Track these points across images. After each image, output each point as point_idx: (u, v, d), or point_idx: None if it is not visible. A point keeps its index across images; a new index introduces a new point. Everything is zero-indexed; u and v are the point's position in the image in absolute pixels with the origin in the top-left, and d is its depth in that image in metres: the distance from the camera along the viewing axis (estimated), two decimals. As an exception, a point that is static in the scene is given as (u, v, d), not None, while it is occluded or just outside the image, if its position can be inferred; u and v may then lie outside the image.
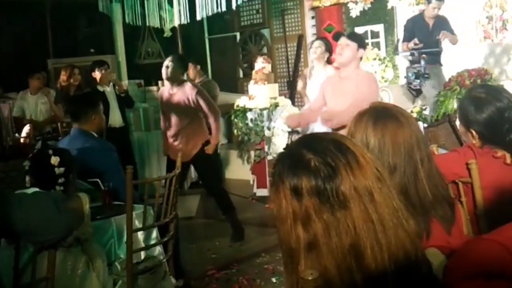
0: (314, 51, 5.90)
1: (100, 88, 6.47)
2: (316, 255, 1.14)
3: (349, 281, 1.13)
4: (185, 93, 5.22)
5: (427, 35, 6.32)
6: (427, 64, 5.98)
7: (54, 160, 2.99)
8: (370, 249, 1.13)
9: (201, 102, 5.21)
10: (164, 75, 5.31)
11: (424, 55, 5.93)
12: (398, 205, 1.20)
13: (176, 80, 5.26)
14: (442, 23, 6.41)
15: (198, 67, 7.38)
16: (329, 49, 5.90)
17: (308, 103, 5.62)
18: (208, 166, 5.43)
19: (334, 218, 1.14)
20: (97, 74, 6.49)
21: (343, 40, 4.24)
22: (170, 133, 5.40)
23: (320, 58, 5.88)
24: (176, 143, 5.35)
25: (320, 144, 1.20)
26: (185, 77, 5.61)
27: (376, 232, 1.15)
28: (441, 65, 6.51)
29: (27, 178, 3.03)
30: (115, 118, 6.57)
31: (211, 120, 5.28)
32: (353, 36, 4.39)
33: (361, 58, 4.33)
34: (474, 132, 2.46)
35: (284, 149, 1.27)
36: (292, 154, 1.22)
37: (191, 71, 7.21)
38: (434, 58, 6.33)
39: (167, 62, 5.26)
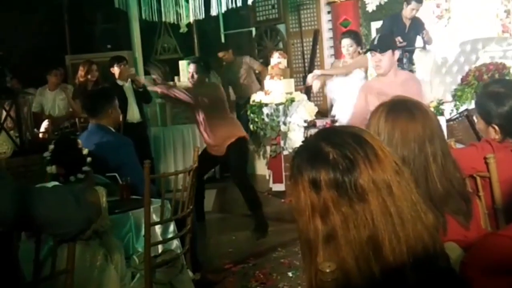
0: (347, 50, 5.85)
1: (119, 82, 6.51)
2: (334, 246, 1.15)
3: (367, 272, 1.13)
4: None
5: (403, 35, 6.40)
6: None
7: (80, 142, 2.98)
8: (388, 241, 1.14)
9: None
10: (190, 82, 5.42)
11: (407, 53, 5.98)
12: (417, 199, 1.21)
13: (201, 85, 5.36)
14: (417, 25, 6.58)
15: (230, 50, 7.92)
16: (359, 42, 5.89)
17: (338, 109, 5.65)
18: (238, 159, 5.44)
19: (352, 210, 1.15)
20: (116, 70, 6.53)
21: (377, 56, 4.14)
22: (201, 127, 5.48)
23: (353, 56, 5.83)
24: (206, 137, 5.43)
25: (339, 137, 1.21)
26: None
27: (394, 225, 1.15)
28: (413, 64, 6.65)
29: (49, 168, 3.01)
30: (133, 114, 6.59)
31: None
32: (384, 46, 4.15)
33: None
34: (496, 127, 2.46)
35: (302, 142, 1.28)
36: (310, 147, 1.22)
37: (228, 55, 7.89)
38: (409, 57, 6.47)
39: (192, 70, 5.33)
